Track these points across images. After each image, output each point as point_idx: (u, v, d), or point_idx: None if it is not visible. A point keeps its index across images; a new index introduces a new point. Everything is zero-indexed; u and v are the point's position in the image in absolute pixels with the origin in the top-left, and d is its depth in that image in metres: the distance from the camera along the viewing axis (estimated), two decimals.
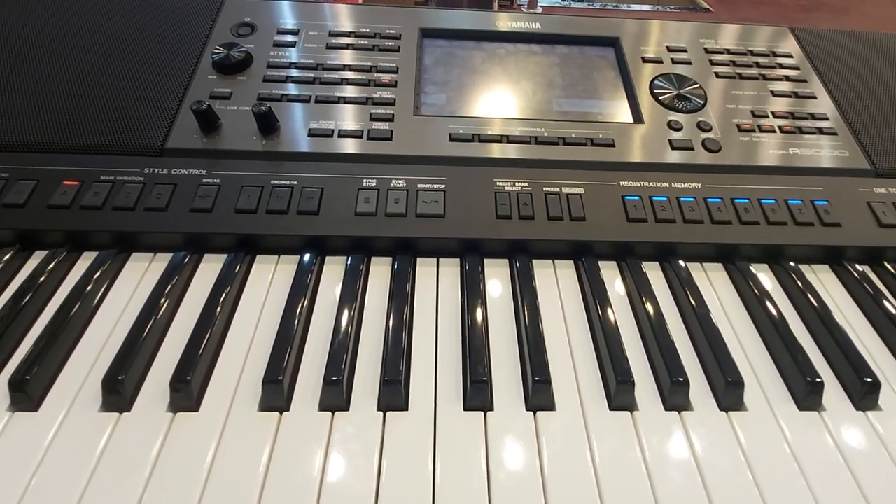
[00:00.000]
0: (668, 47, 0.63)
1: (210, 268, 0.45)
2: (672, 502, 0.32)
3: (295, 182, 0.48)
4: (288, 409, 0.36)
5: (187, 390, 0.36)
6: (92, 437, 0.34)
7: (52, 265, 0.44)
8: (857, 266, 0.49)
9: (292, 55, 0.58)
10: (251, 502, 0.31)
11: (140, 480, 0.32)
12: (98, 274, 0.43)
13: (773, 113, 0.58)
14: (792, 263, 0.48)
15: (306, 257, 0.45)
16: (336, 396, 0.36)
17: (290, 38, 0.59)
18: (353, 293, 0.43)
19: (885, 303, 0.45)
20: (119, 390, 0.35)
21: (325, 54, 0.58)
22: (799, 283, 0.46)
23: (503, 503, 0.32)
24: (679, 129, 0.55)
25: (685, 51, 0.63)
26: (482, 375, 0.37)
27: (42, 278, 0.43)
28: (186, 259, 0.45)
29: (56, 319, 0.39)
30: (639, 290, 0.45)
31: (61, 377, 0.38)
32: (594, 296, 0.44)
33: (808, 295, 0.45)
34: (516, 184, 0.50)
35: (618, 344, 0.40)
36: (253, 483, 0.32)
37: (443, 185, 0.49)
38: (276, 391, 0.36)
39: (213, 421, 0.35)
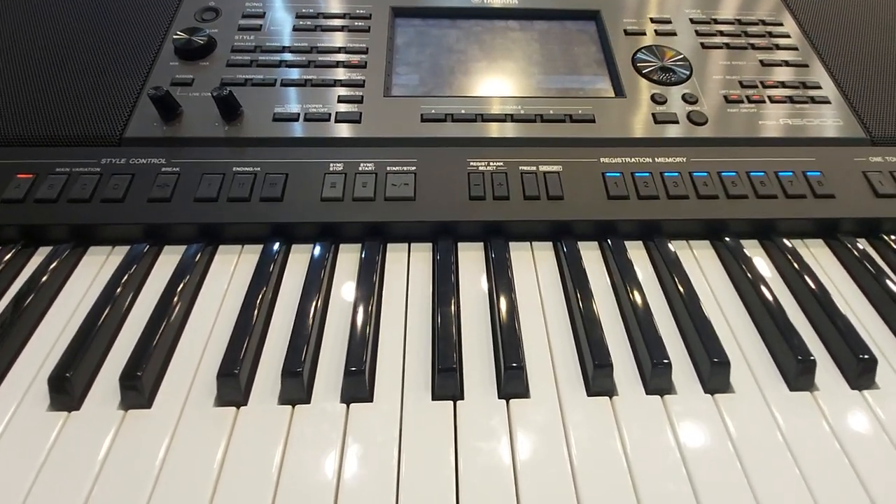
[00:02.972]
0: (651, 19, 0.60)
1: (170, 259, 0.43)
2: (653, 490, 0.30)
3: (258, 168, 0.46)
4: (245, 404, 0.34)
5: (138, 387, 0.34)
6: (39, 437, 0.32)
7: (6, 260, 0.42)
8: (853, 239, 0.46)
9: (258, 38, 0.55)
10: (203, 500, 0.30)
11: (87, 481, 0.30)
12: (53, 268, 0.41)
13: (762, 83, 0.55)
14: (784, 238, 0.46)
15: (270, 246, 0.43)
16: (296, 389, 0.34)
17: (255, 21, 0.57)
18: (317, 281, 0.41)
19: (883, 277, 0.42)
20: (67, 388, 0.34)
21: (292, 36, 0.56)
22: (791, 259, 0.44)
23: (472, 497, 0.30)
24: (663, 103, 0.53)
25: (669, 22, 0.60)
26: (451, 363, 0.35)
27: None
28: (145, 251, 0.43)
29: (7, 316, 0.38)
30: (620, 271, 0.42)
31: (10, 375, 0.36)
32: (573, 278, 0.42)
33: (801, 271, 0.43)
34: (490, 163, 0.48)
35: (596, 326, 0.38)
36: (206, 481, 0.30)
37: (413, 168, 0.47)
38: (232, 385, 0.34)
39: (166, 418, 0.33)
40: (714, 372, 0.35)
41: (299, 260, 0.44)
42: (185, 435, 0.33)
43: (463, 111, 0.51)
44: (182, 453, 0.32)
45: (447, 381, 0.35)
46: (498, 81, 0.55)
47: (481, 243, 0.45)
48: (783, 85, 0.55)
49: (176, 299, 0.39)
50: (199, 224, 0.44)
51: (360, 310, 0.38)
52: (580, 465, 0.31)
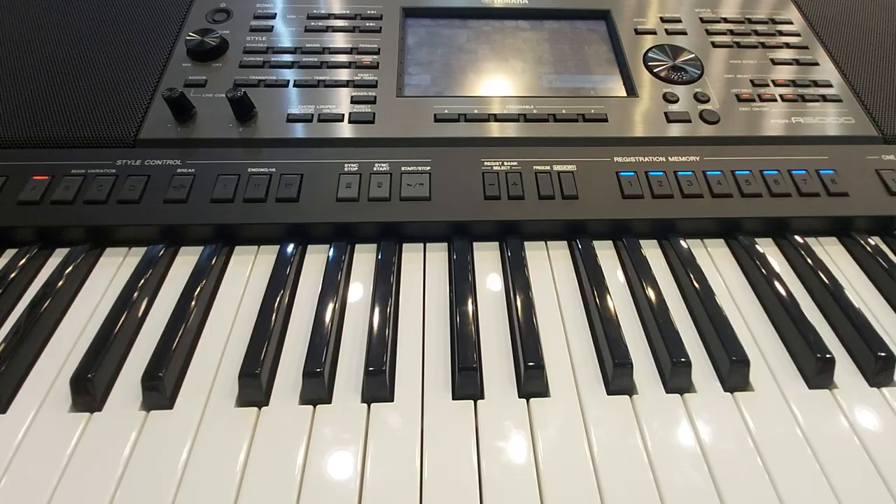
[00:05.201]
0: (661, 18, 0.61)
1: (187, 261, 0.43)
2: (675, 488, 0.30)
3: (273, 169, 0.46)
4: (266, 404, 0.34)
5: (159, 387, 0.34)
6: (62, 439, 0.32)
7: (22, 262, 0.42)
8: (867, 237, 0.46)
9: (269, 39, 0.55)
10: (227, 501, 0.30)
11: (111, 482, 0.31)
12: (70, 270, 0.41)
13: (773, 81, 0.55)
14: (798, 237, 0.46)
15: (286, 246, 0.43)
16: (317, 389, 0.34)
17: (267, 22, 0.57)
18: (335, 282, 0.41)
19: None
20: (88, 389, 0.34)
21: (304, 37, 0.56)
22: (805, 257, 0.44)
23: (495, 496, 0.30)
24: (675, 102, 0.53)
25: (679, 21, 0.60)
26: (471, 362, 0.35)
27: (13, 275, 0.41)
28: (162, 252, 0.43)
29: (26, 318, 0.38)
30: (636, 270, 0.42)
31: (31, 377, 0.36)
32: (589, 277, 0.42)
33: (816, 268, 0.43)
34: (505, 163, 0.48)
35: (614, 326, 0.38)
36: (230, 481, 0.31)
37: (428, 168, 0.47)
38: (254, 385, 0.34)
39: (189, 418, 0.33)
40: (733, 370, 0.36)
41: (315, 260, 0.44)
42: (207, 435, 0.33)
43: (476, 111, 0.51)
44: (205, 453, 0.32)
45: (468, 380, 0.35)
46: (509, 81, 0.55)
47: (497, 243, 0.46)
48: (794, 83, 0.55)
49: (194, 301, 0.39)
50: (215, 225, 0.44)
51: (378, 310, 0.39)
52: (602, 464, 0.31)
